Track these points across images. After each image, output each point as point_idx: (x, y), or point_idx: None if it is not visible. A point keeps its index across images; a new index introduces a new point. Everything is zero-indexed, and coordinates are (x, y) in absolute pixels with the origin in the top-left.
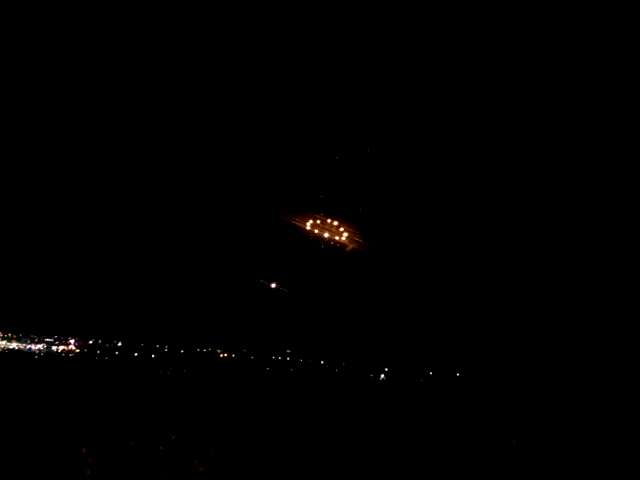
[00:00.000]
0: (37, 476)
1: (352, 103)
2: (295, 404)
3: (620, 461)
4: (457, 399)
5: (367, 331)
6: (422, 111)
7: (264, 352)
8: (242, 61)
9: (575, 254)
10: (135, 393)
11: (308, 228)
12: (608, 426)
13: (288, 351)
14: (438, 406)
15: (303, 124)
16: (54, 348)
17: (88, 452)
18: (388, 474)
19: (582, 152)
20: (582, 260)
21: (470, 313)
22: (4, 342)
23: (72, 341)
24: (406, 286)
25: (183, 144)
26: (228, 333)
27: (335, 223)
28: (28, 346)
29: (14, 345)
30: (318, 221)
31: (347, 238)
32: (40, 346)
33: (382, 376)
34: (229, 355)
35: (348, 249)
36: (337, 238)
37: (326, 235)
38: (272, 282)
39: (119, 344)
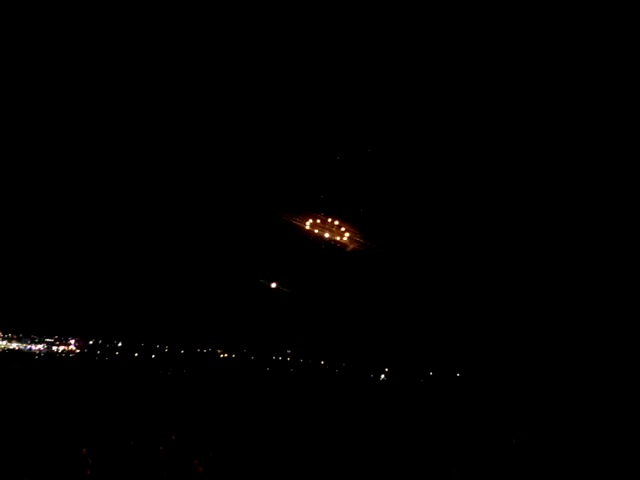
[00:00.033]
0: (37, 476)
1: (352, 103)
2: (295, 404)
3: (620, 461)
4: (457, 399)
5: (367, 331)
6: (422, 111)
7: (264, 352)
8: (242, 61)
9: (575, 254)
10: (135, 393)
11: (308, 228)
12: (608, 426)
13: (288, 351)
14: (438, 406)
15: (303, 124)
16: (54, 348)
17: (88, 452)
18: (389, 474)
19: (582, 152)
20: (582, 260)
21: (470, 313)
22: (4, 342)
23: (72, 341)
24: (406, 286)
25: (183, 144)
26: (228, 333)
27: (335, 223)
28: (28, 346)
29: (14, 345)
30: (318, 221)
31: (347, 238)
32: (40, 346)
33: (382, 376)
34: (229, 355)
35: (348, 249)
36: (337, 238)
37: (326, 235)
38: (272, 282)
39: (119, 344)
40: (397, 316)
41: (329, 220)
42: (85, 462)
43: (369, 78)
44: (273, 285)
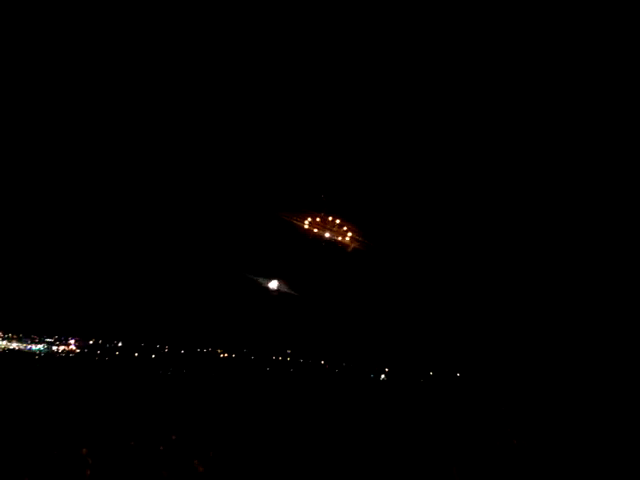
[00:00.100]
0: (37, 476)
1: (353, 103)
2: (295, 404)
3: (620, 461)
4: (457, 399)
5: (367, 331)
6: (422, 111)
7: (264, 352)
8: (242, 61)
9: (575, 254)
10: (135, 393)
11: (309, 228)
12: (608, 426)
13: (288, 351)
14: (438, 406)
15: (303, 124)
16: (54, 348)
17: (88, 452)
18: (389, 474)
19: (582, 152)
20: (582, 260)
21: (470, 313)
22: (5, 342)
23: (72, 341)
24: (406, 286)
25: (184, 145)
26: (228, 333)
27: (336, 223)
28: (28, 346)
29: (15, 345)
30: (318, 221)
31: (348, 238)
32: (40, 346)
33: (382, 376)
34: (229, 355)
35: (349, 249)
36: (338, 238)
37: (327, 235)
38: (272, 282)
39: (119, 344)
40: (397, 316)
41: (329, 220)
42: (85, 462)
43: (369, 79)
44: (273, 285)
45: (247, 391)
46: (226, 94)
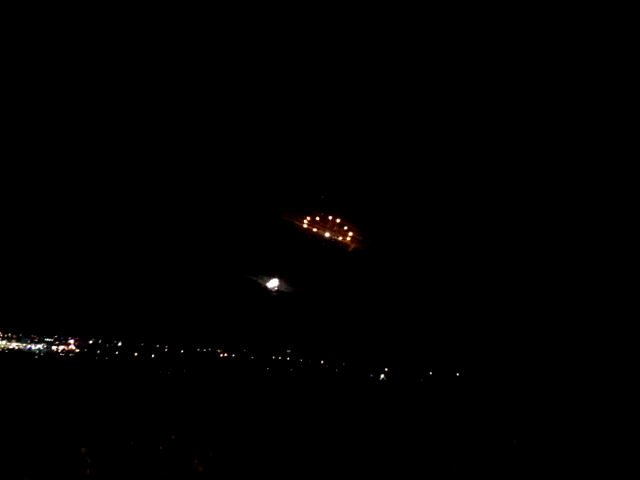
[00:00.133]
0: (37, 476)
1: (353, 104)
2: (295, 404)
3: (620, 461)
4: (457, 399)
5: (367, 331)
6: (423, 111)
7: (264, 352)
8: (243, 61)
9: (575, 254)
10: (135, 393)
11: (308, 228)
12: (608, 426)
13: (288, 351)
14: (438, 406)
15: (304, 124)
16: (54, 348)
17: (88, 452)
18: (389, 474)
19: (582, 152)
20: (582, 260)
21: (470, 313)
22: (4, 342)
23: (72, 341)
24: (406, 286)
25: (185, 145)
26: (228, 333)
27: (336, 223)
28: (28, 346)
29: (14, 345)
30: (319, 221)
31: (348, 238)
32: (40, 346)
33: (382, 376)
34: (229, 355)
35: (349, 249)
36: (338, 238)
37: (327, 235)
38: (272, 282)
39: (119, 344)
40: (397, 316)
41: (329, 220)
42: (84, 461)
43: (370, 79)
44: (273, 285)
45: (247, 391)
46: (226, 95)
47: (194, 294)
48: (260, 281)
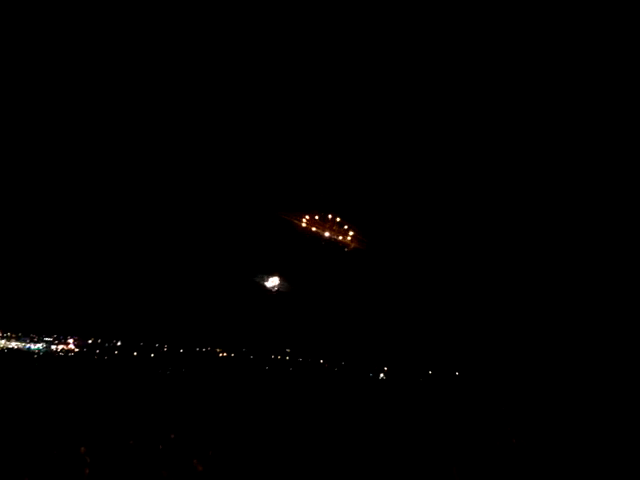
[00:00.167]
0: (36, 475)
1: (354, 104)
2: (294, 403)
3: (620, 461)
4: (457, 398)
5: (367, 330)
6: (423, 111)
7: (263, 351)
8: (243, 61)
9: (575, 254)
10: (134, 392)
11: (308, 227)
12: (608, 425)
13: (287, 350)
14: (438, 405)
15: (304, 125)
16: (53, 347)
17: (87, 451)
18: (389, 474)
19: (582, 152)
20: (582, 260)
21: (469, 313)
22: (3, 341)
23: (71, 340)
24: (406, 286)
25: (187, 146)
26: (227, 332)
27: (335, 223)
28: (27, 345)
29: (13, 344)
30: (318, 221)
31: (347, 238)
32: (39, 345)
33: (381, 375)
34: (228, 354)
35: (348, 249)
36: (337, 238)
37: (326, 234)
38: (271, 281)
39: (118, 343)
40: (396, 315)
41: (329, 220)
42: (84, 461)
43: (370, 79)
44: (272, 284)
45: (246, 390)
46: (227, 95)
47: (193, 293)
48: (259, 280)
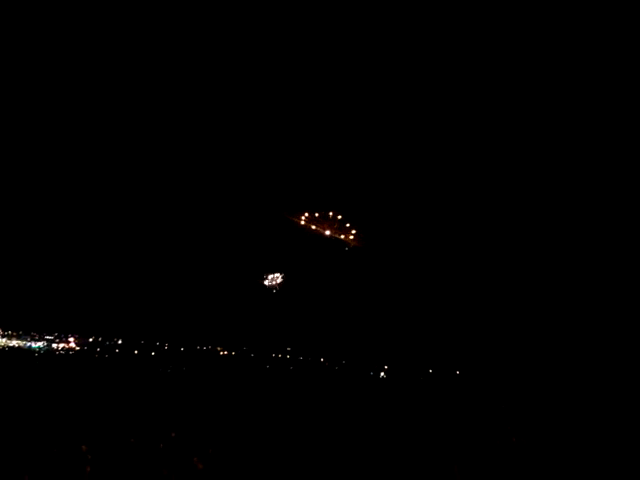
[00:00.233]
0: (37, 474)
1: (354, 104)
2: (295, 402)
3: (620, 460)
4: (457, 397)
5: (367, 329)
6: (423, 112)
7: (264, 350)
8: (244, 62)
9: (575, 254)
10: (135, 391)
11: (308, 226)
12: (608, 425)
13: (288, 349)
14: (438, 404)
15: (305, 125)
16: (54, 346)
17: (88, 449)
18: (390, 473)
19: (582, 152)
20: (581, 260)
21: (470, 312)
22: (4, 340)
23: (72, 339)
24: (406, 284)
25: (187, 145)
26: (228, 331)
27: (336, 222)
28: (28, 344)
29: (15, 343)
30: (319, 220)
31: (348, 237)
32: (40, 344)
33: (382, 374)
34: (229, 353)
35: (348, 248)
36: (338, 237)
37: (327, 233)
38: (272, 280)
39: (119, 342)
40: (397, 314)
41: (329, 219)
42: (85, 459)
43: (370, 80)
44: (273, 283)
45: (247, 389)
46: (229, 96)
47: (194, 292)
48: (260, 279)
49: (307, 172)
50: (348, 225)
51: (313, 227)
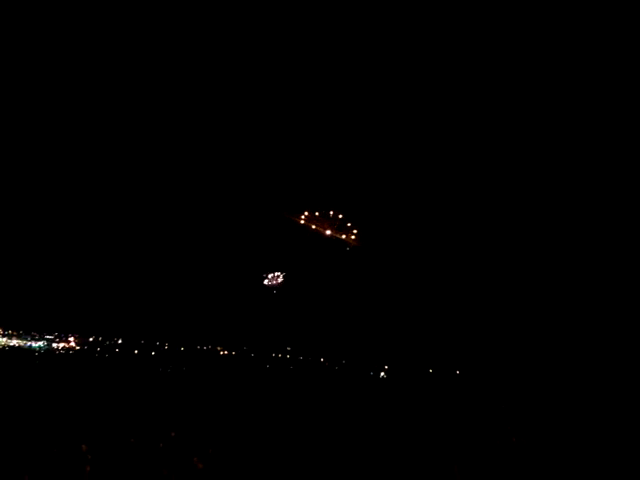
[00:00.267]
0: (37, 473)
1: (354, 105)
2: (295, 402)
3: (619, 460)
4: (457, 397)
5: (367, 329)
6: (422, 112)
7: (264, 349)
8: (244, 62)
9: (575, 254)
10: (135, 390)
11: (308, 225)
12: (607, 425)
13: (288, 348)
14: (438, 404)
15: (305, 125)
16: (54, 345)
17: (88, 449)
18: (390, 473)
19: (582, 152)
20: (581, 260)
21: (470, 312)
22: (5, 339)
23: (72, 338)
24: (406, 284)
25: (187, 144)
26: (228, 331)
27: (337, 222)
28: (29, 343)
29: (15, 342)
30: (319, 220)
31: (348, 236)
32: (40, 343)
33: (382, 374)
34: (229, 353)
35: (349, 247)
36: (338, 237)
37: (327, 232)
38: (272, 280)
39: (119, 341)
40: (397, 314)
41: (330, 219)
42: (85, 459)
43: (370, 79)
44: (273, 283)
45: (246, 389)
46: (229, 96)
47: (194, 292)
48: (260, 279)
49: (307, 172)
50: (348, 225)
51: (313, 227)
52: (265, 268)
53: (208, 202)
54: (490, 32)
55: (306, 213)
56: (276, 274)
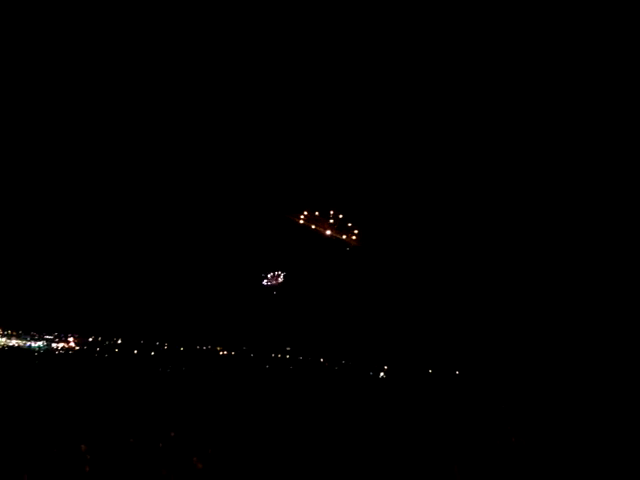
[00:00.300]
0: (37, 473)
1: (354, 105)
2: (294, 402)
3: (619, 460)
4: (457, 397)
5: (367, 329)
6: (422, 112)
7: (264, 349)
8: (244, 62)
9: (575, 254)
10: (134, 390)
11: (308, 226)
12: (607, 425)
13: (288, 348)
14: (438, 404)
15: (305, 125)
16: (54, 345)
17: (88, 449)
18: (390, 473)
19: (582, 152)
20: (581, 260)
21: (470, 312)
22: (4, 339)
23: (71, 338)
24: (406, 284)
25: (189, 146)
26: (228, 331)
27: (337, 222)
28: (28, 343)
29: (14, 342)
30: (319, 220)
31: (349, 237)
32: (40, 343)
33: (382, 374)
34: (229, 353)
35: (349, 248)
36: (338, 237)
37: (327, 233)
38: (272, 280)
39: (118, 341)
40: (397, 314)
41: (330, 219)
42: (84, 459)
43: (370, 79)
44: (273, 283)
45: (246, 389)
46: (229, 96)
47: (193, 292)
48: (260, 279)
49: (307, 172)
50: (348, 225)
51: (313, 227)
52: (265, 268)
53: (208, 202)
54: (490, 32)
55: (306, 213)
56: (276, 274)
